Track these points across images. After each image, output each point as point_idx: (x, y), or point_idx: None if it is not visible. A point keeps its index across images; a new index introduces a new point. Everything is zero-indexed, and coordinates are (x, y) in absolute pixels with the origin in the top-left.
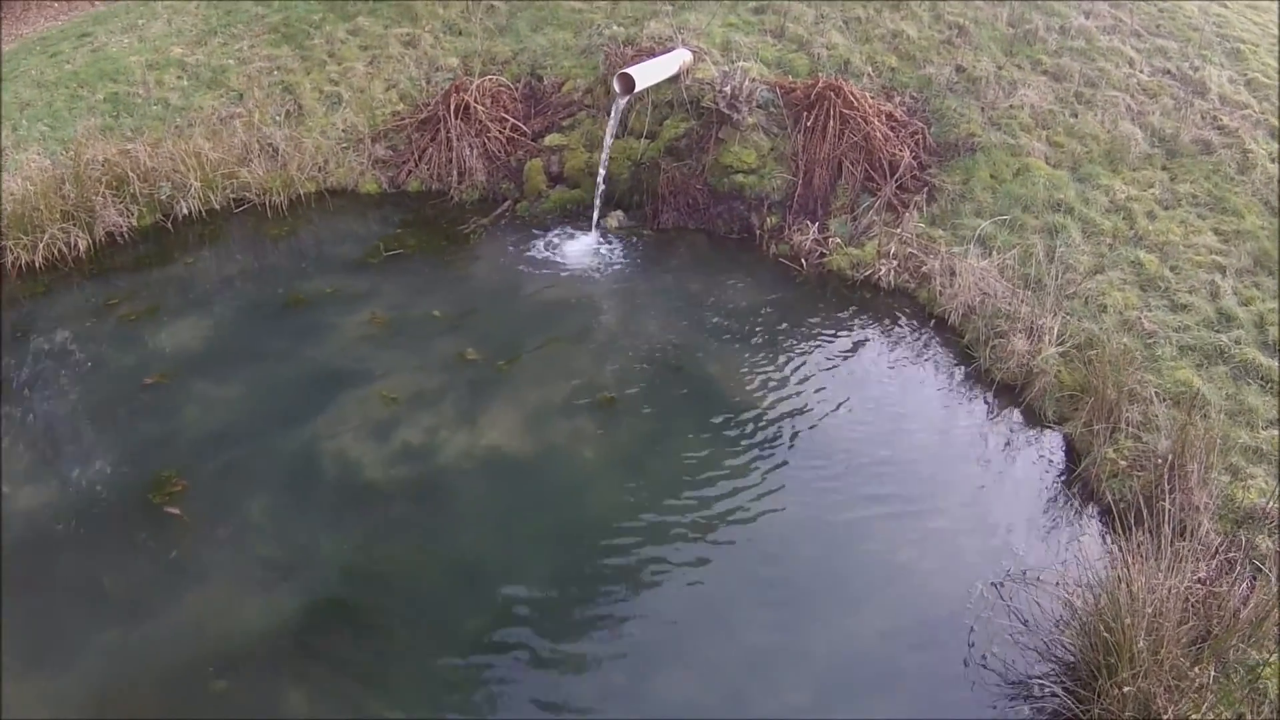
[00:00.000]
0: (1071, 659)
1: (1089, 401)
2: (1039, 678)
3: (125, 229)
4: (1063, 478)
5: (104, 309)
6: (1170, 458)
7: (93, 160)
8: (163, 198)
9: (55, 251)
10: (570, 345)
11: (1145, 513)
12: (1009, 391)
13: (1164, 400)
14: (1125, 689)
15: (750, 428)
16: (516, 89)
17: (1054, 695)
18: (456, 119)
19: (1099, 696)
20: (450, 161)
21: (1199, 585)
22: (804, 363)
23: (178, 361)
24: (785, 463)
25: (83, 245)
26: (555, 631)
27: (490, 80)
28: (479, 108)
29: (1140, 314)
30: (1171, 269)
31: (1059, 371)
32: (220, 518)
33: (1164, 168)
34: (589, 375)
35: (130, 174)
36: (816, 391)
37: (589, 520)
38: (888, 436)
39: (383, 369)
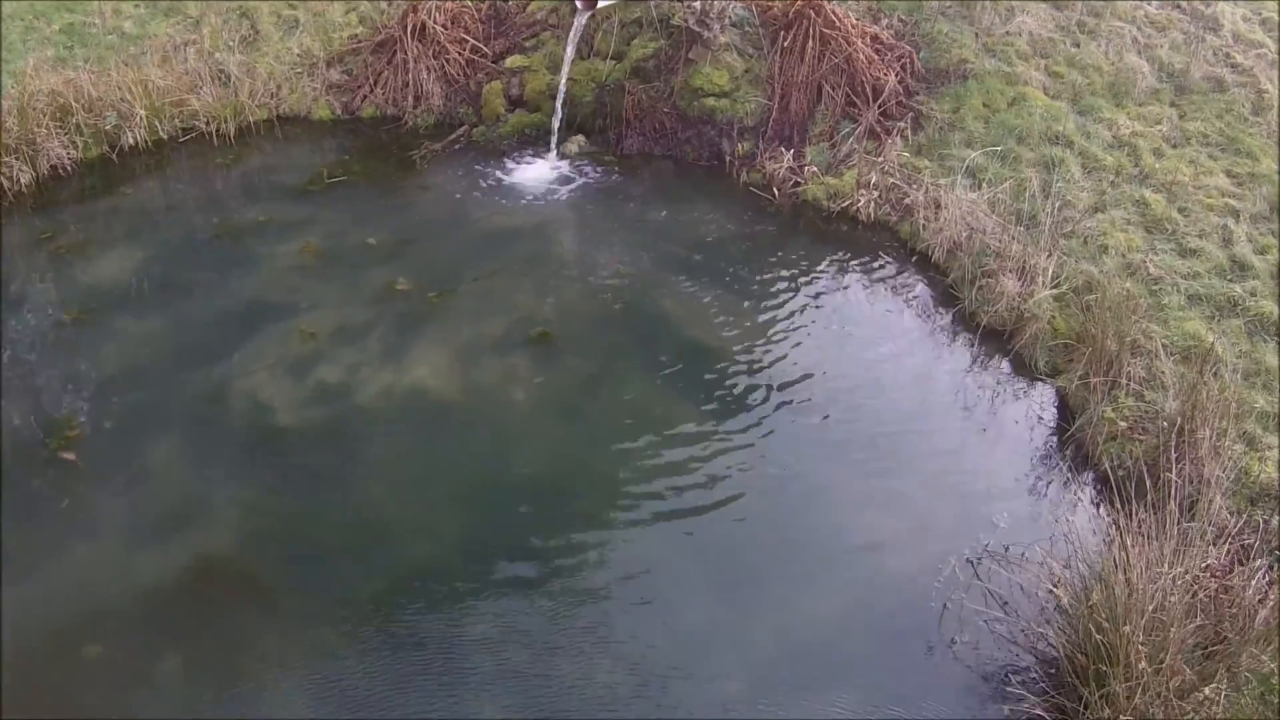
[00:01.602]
0: (1055, 655)
1: (1086, 352)
2: (1015, 678)
3: (69, 161)
4: (1054, 437)
5: (37, 243)
6: (1179, 421)
7: (37, 92)
8: (108, 128)
9: None
10: (512, 277)
11: (1148, 484)
12: (996, 337)
13: (1171, 355)
14: (1121, 716)
15: (703, 372)
16: (480, 10)
17: (1032, 705)
18: (413, 40)
19: (1085, 708)
20: (406, 85)
21: (1208, 576)
22: (771, 301)
23: (101, 296)
24: (740, 413)
25: (25, 179)
26: (458, 605)
27: (450, 1)
28: (438, 29)
29: (1145, 257)
30: (1180, 211)
31: (1053, 317)
32: (118, 464)
33: (1172, 104)
34: (529, 310)
35: (74, 104)
36: (782, 333)
37: (513, 475)
38: (859, 386)
39: (309, 301)
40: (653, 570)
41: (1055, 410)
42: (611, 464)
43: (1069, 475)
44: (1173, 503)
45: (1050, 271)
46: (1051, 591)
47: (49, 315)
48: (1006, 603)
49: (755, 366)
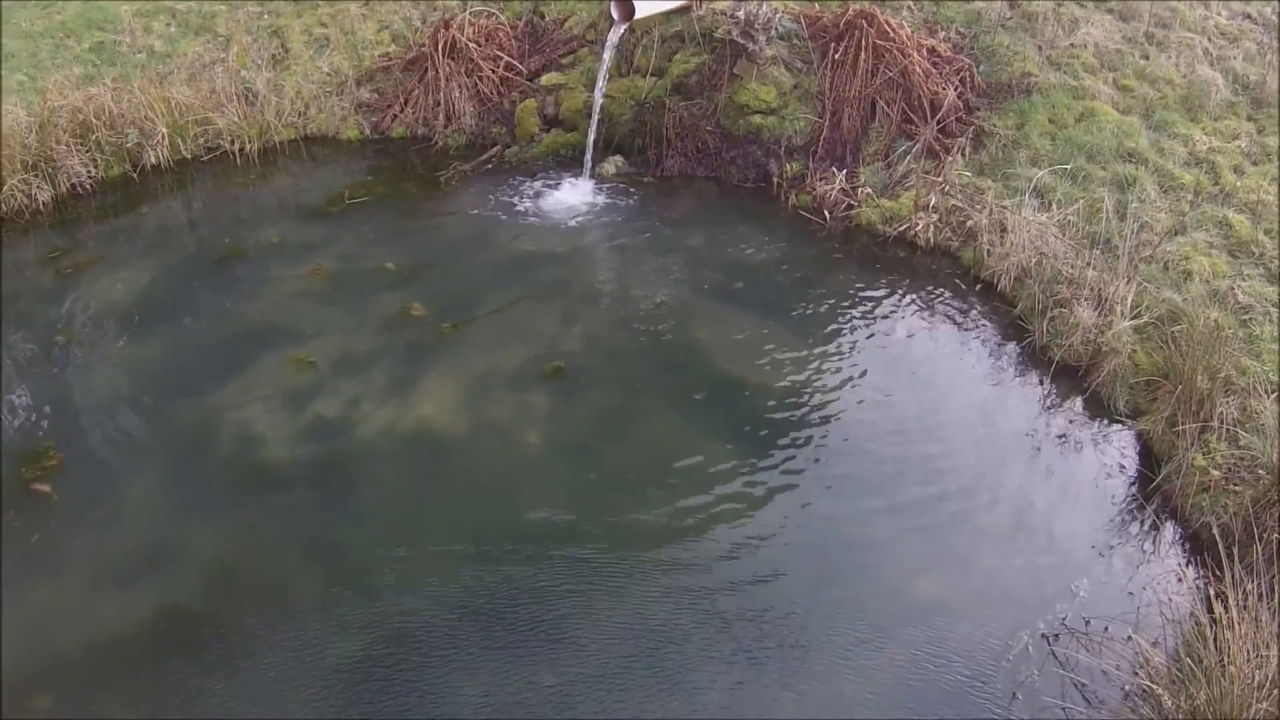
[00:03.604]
0: None
1: (1172, 391)
2: None
3: (89, 180)
4: (1137, 488)
5: (45, 262)
6: None
7: (59, 109)
8: (129, 146)
9: (16, 204)
10: (535, 304)
11: (1258, 544)
12: (1071, 374)
13: (1270, 393)
14: None
15: (739, 412)
16: (517, 27)
17: None
18: (445, 58)
19: None
20: (437, 104)
21: None
22: (817, 333)
23: (99, 317)
24: (778, 459)
25: (44, 197)
26: (440, 675)
27: (485, 17)
28: (471, 46)
29: (1233, 284)
30: (1266, 233)
31: (1134, 351)
32: (95, 498)
33: (1250, 118)
34: (551, 341)
35: (95, 121)
36: (830, 369)
37: (516, 524)
38: (916, 429)
39: (314, 328)
40: (670, 640)
41: (1138, 456)
42: (629, 515)
43: (1155, 532)
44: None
45: (1129, 300)
46: (1146, 688)
47: (41, 337)
48: (1089, 690)
49: (797, 406)
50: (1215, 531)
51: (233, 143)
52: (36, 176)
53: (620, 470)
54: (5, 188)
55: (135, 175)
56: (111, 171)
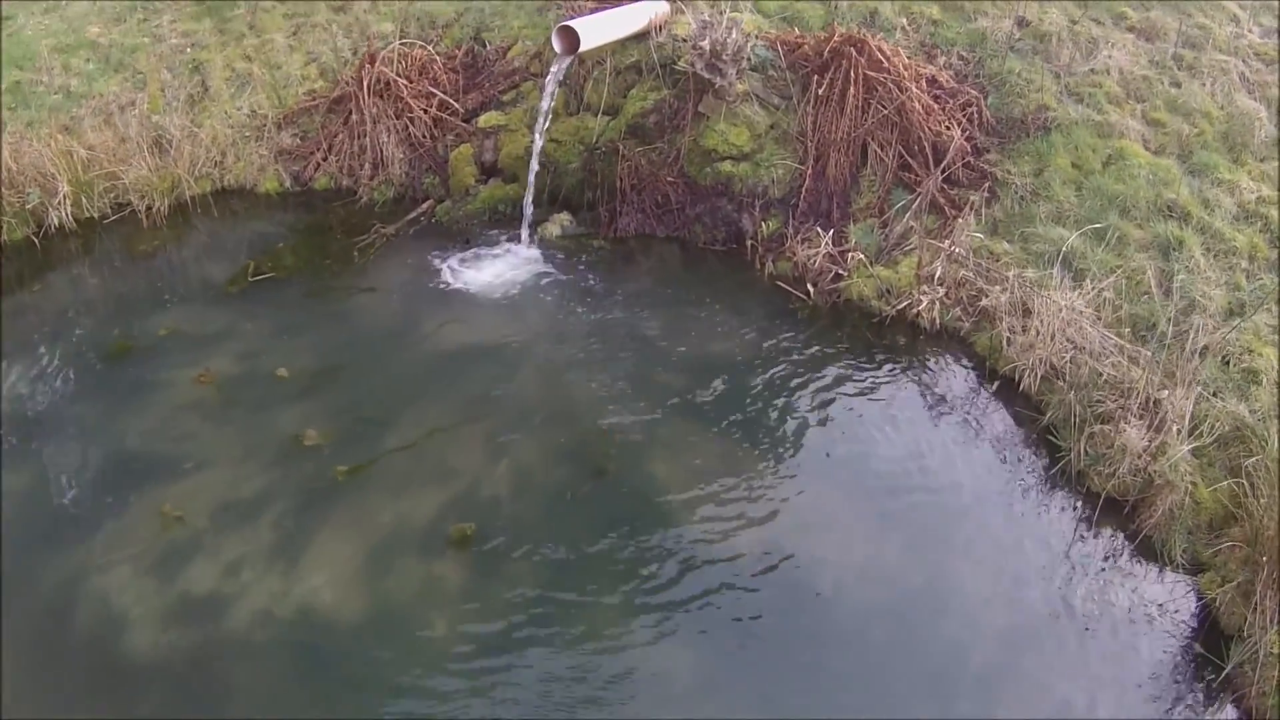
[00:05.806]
0: None
1: (1245, 545)
2: None
3: None
4: (1196, 674)
5: None
6: None
7: None
8: (31, 206)
9: None
10: (454, 431)
11: None
12: (1115, 510)
13: None
14: None
15: (699, 595)
16: (455, 57)
17: None
18: (371, 97)
19: None
20: (363, 151)
21: None
22: (797, 461)
23: None
24: (749, 672)
25: None
26: None
27: (418, 48)
28: (401, 82)
29: None
30: None
31: (1193, 485)
32: None
33: None
34: (471, 482)
35: None
36: (813, 519)
37: None
38: (921, 607)
39: (198, 458)
40: None
41: (1199, 628)
42: None
43: None
44: None
45: (1187, 414)
46: None
47: None
48: None
49: (769, 581)
50: None
51: (142, 199)
52: None
53: (540, 690)
54: None
55: (38, 240)
56: (15, 235)
